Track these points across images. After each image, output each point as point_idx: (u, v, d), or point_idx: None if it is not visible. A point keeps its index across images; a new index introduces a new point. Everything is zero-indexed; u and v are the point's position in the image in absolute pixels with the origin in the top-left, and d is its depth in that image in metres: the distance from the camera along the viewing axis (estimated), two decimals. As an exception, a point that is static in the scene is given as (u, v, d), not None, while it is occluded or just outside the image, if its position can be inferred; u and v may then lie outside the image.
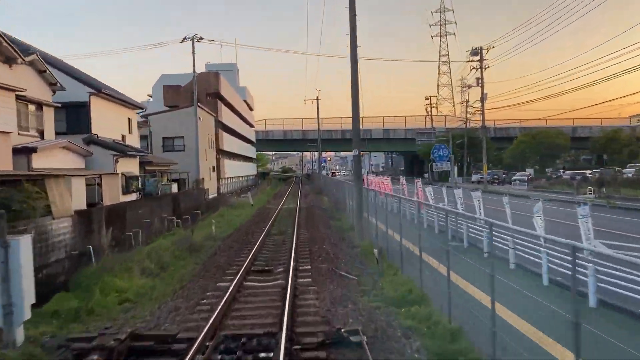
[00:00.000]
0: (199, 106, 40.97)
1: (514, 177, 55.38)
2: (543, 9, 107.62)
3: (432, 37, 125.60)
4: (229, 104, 54.62)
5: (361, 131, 77.72)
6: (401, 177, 39.21)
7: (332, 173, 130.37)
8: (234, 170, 59.77)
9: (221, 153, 51.47)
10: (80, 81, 22.30)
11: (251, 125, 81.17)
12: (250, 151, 78.49)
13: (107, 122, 24.07)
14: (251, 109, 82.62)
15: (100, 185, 19.18)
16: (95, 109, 22.38)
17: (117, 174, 21.43)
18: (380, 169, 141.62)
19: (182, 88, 46.32)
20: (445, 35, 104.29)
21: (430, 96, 75.51)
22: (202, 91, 47.88)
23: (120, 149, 22.19)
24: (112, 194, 20.54)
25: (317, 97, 57.23)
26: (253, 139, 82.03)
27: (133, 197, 24.55)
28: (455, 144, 69.32)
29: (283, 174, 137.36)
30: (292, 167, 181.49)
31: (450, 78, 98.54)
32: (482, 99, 45.91)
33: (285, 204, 38.70)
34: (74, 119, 21.86)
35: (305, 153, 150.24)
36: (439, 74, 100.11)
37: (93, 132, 22.04)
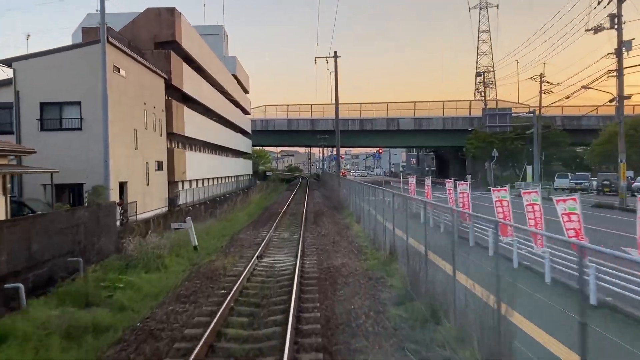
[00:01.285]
0: (124, 52, 22.33)
1: (636, 184, 36.65)
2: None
3: (469, 9, 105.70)
4: (200, 68, 35.91)
5: (386, 120, 55.49)
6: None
7: (342, 173, 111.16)
8: (211, 168, 41.03)
9: (180, 140, 32.78)
10: None
11: (245, 112, 62.42)
12: (243, 144, 60.02)
13: None
14: (246, 91, 63.89)
15: None
16: None
17: None
18: (401, 169, 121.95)
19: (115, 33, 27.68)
20: (487, 7, 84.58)
21: (483, 71, 55.87)
22: (147, 38, 29.26)
23: None
24: None
25: (335, 52, 37.74)
26: (248, 129, 63.34)
27: None
28: (521, 138, 51.65)
29: (285, 174, 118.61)
30: (299, 166, 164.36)
31: (492, 60, 78.49)
32: (620, 52, 26.72)
33: (270, 247, 17.62)
34: None
35: (313, 150, 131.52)
36: (477, 54, 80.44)
37: None
